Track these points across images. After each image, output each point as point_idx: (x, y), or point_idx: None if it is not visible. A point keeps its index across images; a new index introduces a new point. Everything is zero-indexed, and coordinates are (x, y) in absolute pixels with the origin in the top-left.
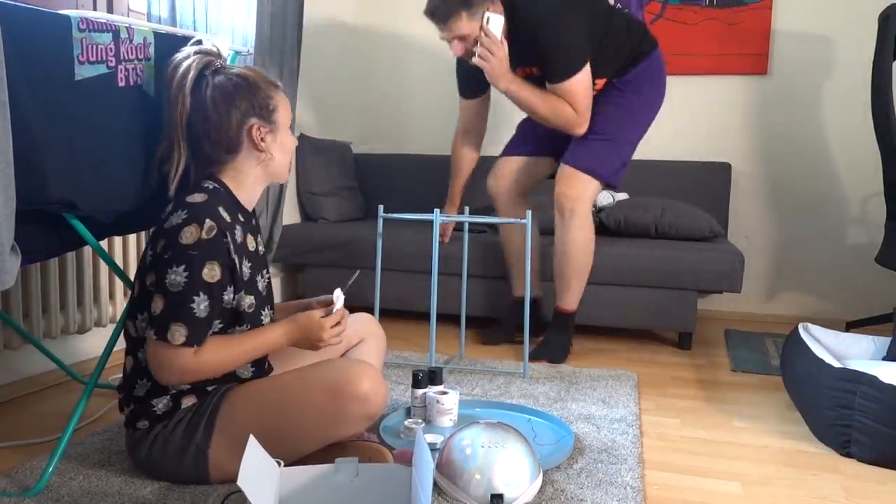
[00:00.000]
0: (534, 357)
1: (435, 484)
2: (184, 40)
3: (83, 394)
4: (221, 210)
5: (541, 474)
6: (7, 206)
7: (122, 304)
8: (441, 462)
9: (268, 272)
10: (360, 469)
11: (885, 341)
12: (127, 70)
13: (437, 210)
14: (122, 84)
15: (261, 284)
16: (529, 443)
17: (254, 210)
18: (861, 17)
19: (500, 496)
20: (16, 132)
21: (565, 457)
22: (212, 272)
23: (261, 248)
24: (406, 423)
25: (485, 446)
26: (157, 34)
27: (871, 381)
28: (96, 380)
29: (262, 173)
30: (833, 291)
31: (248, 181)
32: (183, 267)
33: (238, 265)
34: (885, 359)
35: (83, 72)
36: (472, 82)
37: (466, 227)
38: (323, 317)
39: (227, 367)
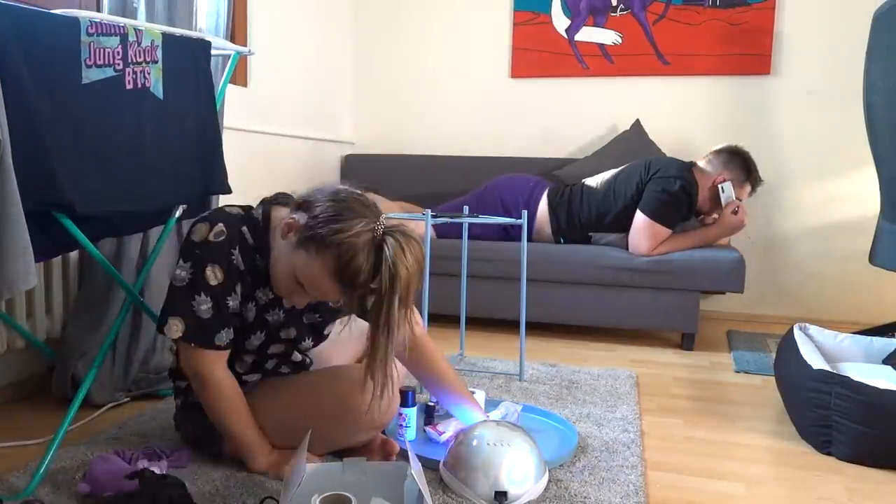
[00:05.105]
0: None
1: (441, 480)
2: (192, 43)
3: (79, 394)
4: (244, 230)
5: (546, 473)
6: (15, 206)
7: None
8: (448, 459)
9: (311, 340)
10: (366, 467)
11: (883, 342)
12: (135, 73)
13: (428, 211)
14: (129, 87)
15: (283, 333)
16: (535, 442)
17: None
18: (864, 18)
19: (504, 493)
20: (23, 135)
21: (569, 455)
22: (214, 274)
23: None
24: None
25: (491, 444)
26: (165, 36)
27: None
28: (93, 380)
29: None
30: (835, 292)
31: (276, 256)
32: (189, 263)
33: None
34: (884, 362)
35: (90, 75)
36: None
37: (466, 227)
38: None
39: (212, 413)
